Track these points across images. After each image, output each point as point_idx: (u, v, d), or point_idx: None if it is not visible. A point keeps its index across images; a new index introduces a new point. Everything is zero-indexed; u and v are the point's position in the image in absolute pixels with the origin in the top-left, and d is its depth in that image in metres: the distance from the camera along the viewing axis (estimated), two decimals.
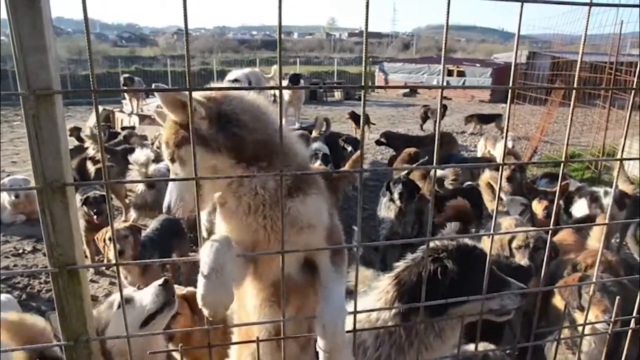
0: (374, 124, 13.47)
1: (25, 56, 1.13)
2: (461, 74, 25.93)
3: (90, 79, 1.17)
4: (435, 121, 12.70)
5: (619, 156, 2.70)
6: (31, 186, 1.20)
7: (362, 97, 1.28)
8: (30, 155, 1.19)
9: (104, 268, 5.34)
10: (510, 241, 3.63)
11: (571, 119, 1.56)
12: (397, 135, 9.97)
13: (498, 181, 1.71)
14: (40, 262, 5.54)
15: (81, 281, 1.31)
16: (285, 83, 9.61)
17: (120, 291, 1.35)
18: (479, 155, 8.47)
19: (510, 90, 1.49)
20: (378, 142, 9.79)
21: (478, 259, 1.85)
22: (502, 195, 4.91)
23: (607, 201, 4.69)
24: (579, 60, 1.50)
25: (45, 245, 1.26)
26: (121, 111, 12.84)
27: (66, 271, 1.28)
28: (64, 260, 1.27)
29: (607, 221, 2.77)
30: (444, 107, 14.37)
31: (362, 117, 1.29)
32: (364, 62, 1.29)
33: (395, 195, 4.98)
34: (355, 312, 1.50)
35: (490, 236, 1.60)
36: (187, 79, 1.18)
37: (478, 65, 26.83)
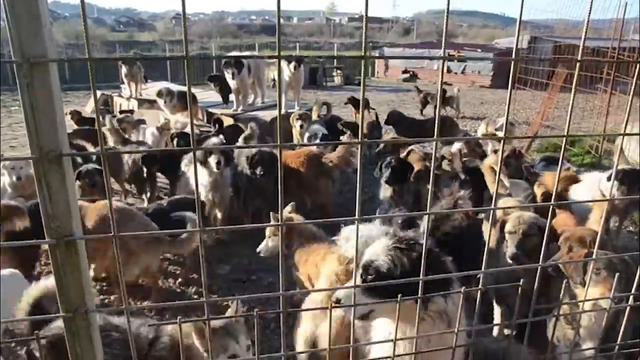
0: (373, 108, 13.40)
1: (18, 23, 1.11)
2: (462, 59, 25.74)
3: (86, 48, 1.16)
4: (435, 106, 12.66)
5: (620, 138, 2.68)
6: (27, 156, 1.18)
7: (362, 68, 1.26)
8: (25, 126, 1.18)
9: None
10: (502, 226, 3.60)
11: (574, 94, 1.54)
12: (403, 117, 10.02)
13: (500, 162, 1.69)
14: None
15: (79, 252, 1.30)
16: (287, 65, 9.54)
17: (119, 264, 1.35)
18: None
19: (512, 64, 1.47)
20: (386, 122, 9.83)
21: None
22: (504, 179, 4.89)
23: None
24: (584, 33, 1.48)
25: (42, 217, 1.25)
26: (120, 96, 12.79)
27: (64, 242, 1.27)
28: (62, 231, 1.26)
29: (607, 204, 2.76)
30: (444, 92, 14.29)
31: (362, 88, 1.27)
32: (364, 34, 1.26)
33: (384, 179, 5.02)
34: (354, 287, 1.51)
35: (491, 212, 1.59)
36: (184, 49, 1.16)
37: (479, 50, 26.64)
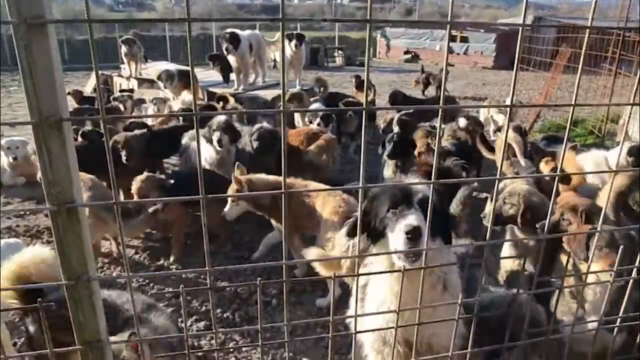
0: (373, 85, 13.29)
1: None
2: (464, 39, 25.49)
3: (86, 11, 1.13)
4: (437, 87, 12.51)
5: (624, 117, 2.65)
6: (26, 121, 1.16)
7: (368, 30, 1.23)
8: (24, 91, 1.16)
9: None
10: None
11: (583, 59, 1.51)
12: (405, 97, 9.96)
13: (506, 131, 1.67)
14: (42, 223, 5.55)
15: (80, 220, 1.29)
16: (289, 43, 9.47)
17: (121, 232, 1.34)
18: (481, 119, 8.38)
19: (520, 30, 1.43)
20: (390, 103, 9.77)
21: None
22: (520, 159, 4.81)
23: None
24: (593, 5, 1.45)
25: (43, 184, 1.24)
26: (120, 75, 12.69)
27: (65, 209, 1.26)
28: (63, 198, 1.25)
29: (614, 177, 2.73)
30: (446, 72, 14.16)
31: (367, 49, 1.24)
32: None
33: (386, 153, 5.05)
34: (358, 256, 1.50)
35: (496, 182, 1.58)
36: (186, 9, 1.13)
37: (482, 30, 26.31)
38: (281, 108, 1.26)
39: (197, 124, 1.22)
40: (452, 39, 25.68)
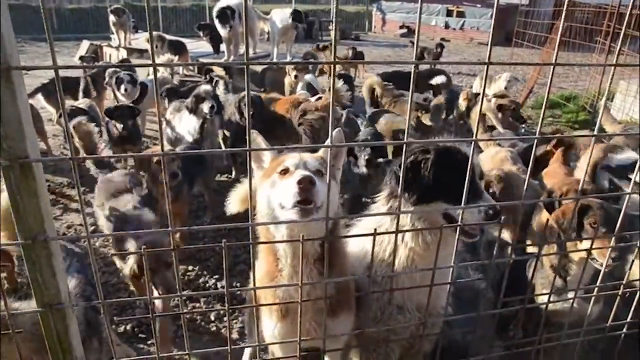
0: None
1: None
2: (461, 14, 25.16)
3: None
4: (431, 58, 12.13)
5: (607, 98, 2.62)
6: None
7: None
8: None
9: None
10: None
11: (562, 28, 1.46)
12: (394, 74, 9.76)
13: (483, 92, 1.62)
14: None
15: (35, 177, 1.23)
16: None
17: (78, 189, 1.28)
18: (474, 92, 8.30)
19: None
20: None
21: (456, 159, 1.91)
22: (499, 126, 4.76)
23: None
24: None
25: None
26: (109, 45, 12.46)
27: (18, 165, 1.20)
28: (15, 152, 1.18)
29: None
30: (441, 47, 14.02)
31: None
32: None
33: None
34: (327, 219, 1.46)
35: (472, 143, 1.53)
36: None
37: (479, 5, 25.96)
38: (246, 60, 1.20)
39: (155, 76, 1.16)
40: (449, 13, 25.36)
